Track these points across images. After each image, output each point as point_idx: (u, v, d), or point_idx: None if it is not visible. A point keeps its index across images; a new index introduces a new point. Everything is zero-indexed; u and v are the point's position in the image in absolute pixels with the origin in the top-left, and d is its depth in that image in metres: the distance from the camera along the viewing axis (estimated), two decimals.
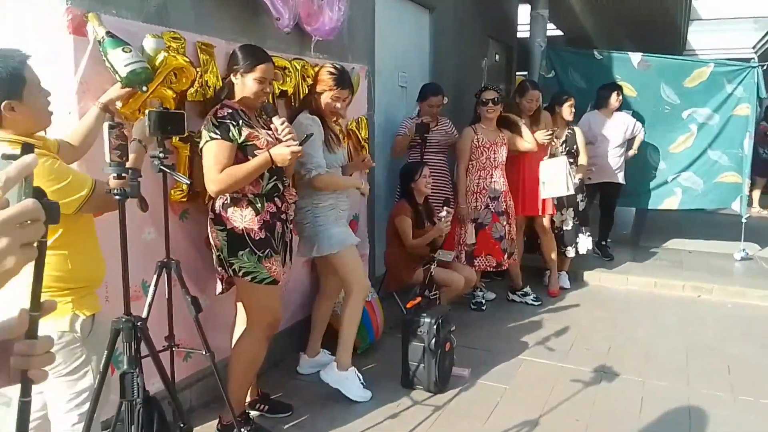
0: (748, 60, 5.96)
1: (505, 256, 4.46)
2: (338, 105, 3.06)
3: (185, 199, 2.73)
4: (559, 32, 11.01)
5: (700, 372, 3.53)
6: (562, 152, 5.00)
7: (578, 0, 8.51)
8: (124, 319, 1.61)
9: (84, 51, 2.28)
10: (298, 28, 3.45)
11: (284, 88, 3.34)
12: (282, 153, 2.43)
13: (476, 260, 4.43)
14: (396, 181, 4.42)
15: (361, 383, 3.17)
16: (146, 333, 1.71)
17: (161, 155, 2.05)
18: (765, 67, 5.65)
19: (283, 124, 2.56)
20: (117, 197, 1.55)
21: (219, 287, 2.66)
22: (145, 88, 2.25)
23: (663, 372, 3.52)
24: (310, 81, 3.40)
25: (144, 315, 2.13)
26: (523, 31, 8.03)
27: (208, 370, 3.02)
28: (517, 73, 8.51)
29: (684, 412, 3.07)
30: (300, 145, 2.48)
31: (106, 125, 1.46)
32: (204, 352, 2.28)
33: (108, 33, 2.24)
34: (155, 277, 2.25)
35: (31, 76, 1.78)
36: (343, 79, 3.06)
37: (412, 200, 4.01)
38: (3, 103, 1.69)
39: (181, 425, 1.93)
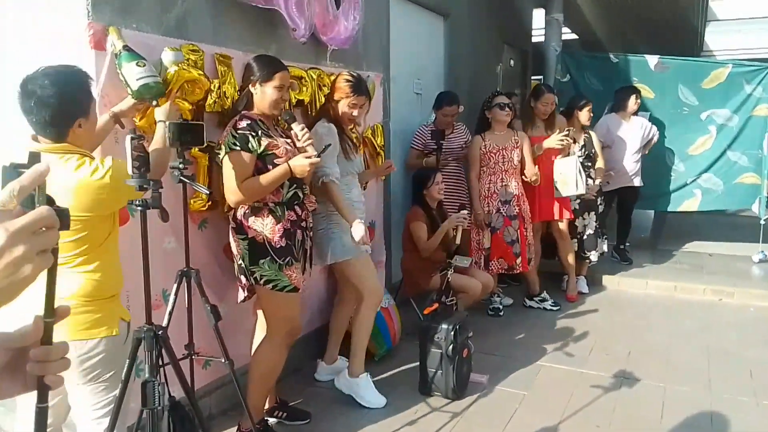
0: (767, 60, 5.91)
1: (518, 260, 4.46)
2: (355, 112, 3.08)
3: (204, 209, 2.77)
4: (573, 36, 10.96)
5: (721, 377, 3.49)
6: (580, 156, 4.98)
7: (593, 3, 8.47)
8: (145, 328, 1.63)
9: (104, 64, 2.33)
10: (313, 38, 3.49)
11: (300, 98, 3.38)
12: (302, 164, 2.47)
13: (491, 264, 4.45)
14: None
15: (375, 389, 3.19)
16: (167, 342, 1.73)
17: (181, 166, 2.08)
18: None
19: (303, 130, 2.59)
20: (138, 208, 1.58)
21: (241, 295, 2.69)
22: (155, 102, 2.30)
23: (684, 377, 3.48)
24: (326, 90, 3.43)
25: (164, 323, 2.17)
26: (537, 36, 8.02)
27: (227, 378, 3.05)
28: (532, 77, 8.50)
29: (706, 418, 3.04)
30: (319, 155, 2.52)
31: (128, 138, 1.49)
32: (223, 360, 2.30)
33: (125, 47, 2.28)
34: (175, 285, 2.28)
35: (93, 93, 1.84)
36: (359, 86, 3.09)
37: (425, 206, 4.02)
38: (76, 121, 1.73)
39: None
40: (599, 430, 2.91)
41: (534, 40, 8.35)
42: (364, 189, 4.04)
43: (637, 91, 5.50)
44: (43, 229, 0.65)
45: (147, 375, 1.62)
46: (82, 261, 1.79)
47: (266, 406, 2.93)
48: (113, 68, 2.32)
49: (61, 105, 1.72)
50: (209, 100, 2.79)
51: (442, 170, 4.25)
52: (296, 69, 3.38)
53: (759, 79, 5.60)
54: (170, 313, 2.21)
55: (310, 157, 2.46)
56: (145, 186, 1.54)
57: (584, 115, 4.95)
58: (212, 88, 2.81)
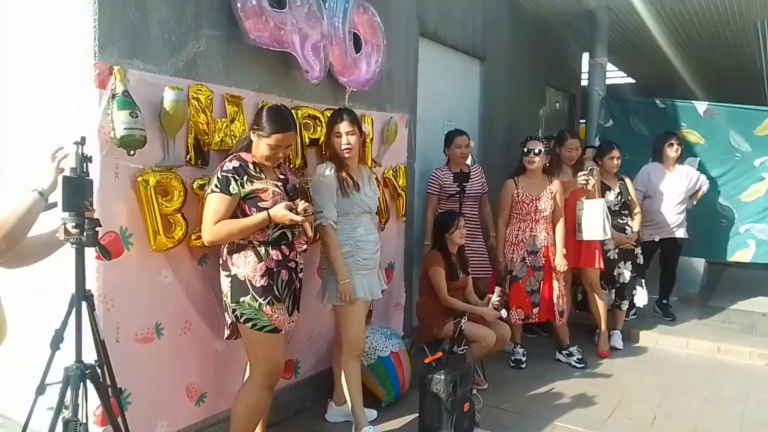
0: None
1: (534, 310, 4.30)
2: (349, 140, 3.04)
3: (201, 245, 2.78)
4: (630, 80, 10.71)
5: None
6: (616, 204, 4.78)
7: (649, 50, 8.26)
8: (74, 366, 1.62)
9: (105, 100, 2.41)
10: (331, 79, 3.54)
11: (314, 137, 3.41)
12: (282, 215, 2.48)
13: (510, 313, 4.28)
14: None
15: None
16: (96, 380, 1.70)
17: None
18: None
19: (304, 204, 2.59)
20: (73, 246, 1.58)
21: (225, 332, 2.68)
22: (132, 153, 2.39)
23: None
24: None
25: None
26: (587, 79, 7.88)
27: (222, 415, 3.04)
28: (581, 121, 8.31)
29: None
30: (299, 213, 2.54)
31: (60, 176, 1.52)
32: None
33: (124, 92, 2.37)
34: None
35: None
36: (339, 113, 3.10)
37: (444, 250, 3.92)
38: None
39: None
40: None
41: (584, 83, 8.20)
42: (383, 229, 4.02)
43: (672, 137, 5.22)
44: None
45: (70, 414, 1.59)
46: None
47: None
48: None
49: None
50: (215, 138, 2.86)
51: (463, 214, 4.15)
52: (312, 109, 3.42)
53: None
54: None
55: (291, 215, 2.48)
56: (79, 224, 1.55)
57: (608, 163, 4.77)
58: (219, 126, 2.89)
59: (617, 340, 4.89)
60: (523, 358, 4.44)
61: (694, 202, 5.38)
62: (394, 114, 4.15)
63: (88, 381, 1.66)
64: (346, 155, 3.06)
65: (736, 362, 4.65)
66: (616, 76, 10.08)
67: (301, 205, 2.59)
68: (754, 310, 5.88)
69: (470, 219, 4.41)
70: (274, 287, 2.55)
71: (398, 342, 3.81)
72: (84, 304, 1.86)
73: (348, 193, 3.04)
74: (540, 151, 4.24)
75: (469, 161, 4.66)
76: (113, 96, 2.36)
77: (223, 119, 2.90)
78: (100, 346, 1.84)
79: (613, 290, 4.87)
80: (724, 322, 5.46)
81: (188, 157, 2.74)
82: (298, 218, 2.49)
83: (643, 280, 4.98)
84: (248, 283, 2.50)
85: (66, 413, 1.60)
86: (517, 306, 4.29)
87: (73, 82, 2.45)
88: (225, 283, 2.56)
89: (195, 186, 2.76)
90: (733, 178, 5.63)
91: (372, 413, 3.46)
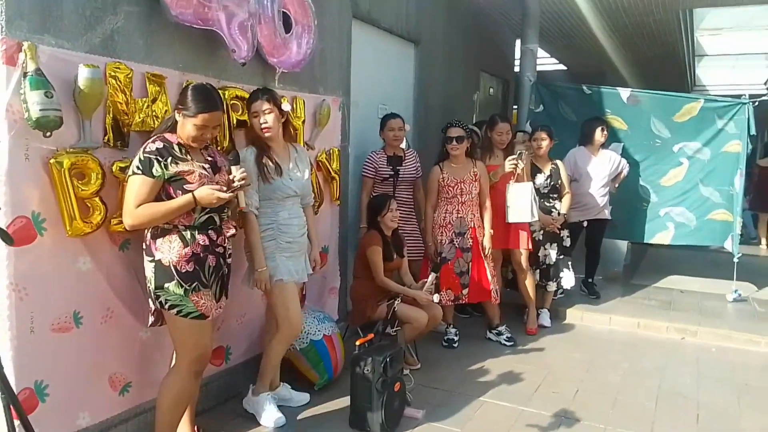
0: (759, 96, 5.86)
1: (464, 291, 4.37)
2: (266, 119, 3.03)
3: (123, 229, 2.68)
4: (562, 67, 11.01)
5: (667, 420, 3.36)
6: (545, 187, 4.93)
7: (579, 38, 8.51)
8: None
9: (13, 78, 2.26)
10: (260, 59, 3.46)
11: (243, 119, 3.33)
12: (207, 195, 2.43)
13: (440, 294, 4.34)
14: None
15: (276, 407, 3.18)
16: None
17: None
18: (756, 104, 5.52)
19: (241, 172, 2.60)
20: None
21: (149, 319, 2.61)
22: (49, 134, 2.27)
23: (628, 419, 3.35)
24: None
25: None
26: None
27: (148, 405, 2.96)
28: (514, 107, 8.50)
29: None
30: (230, 191, 2.51)
31: None
32: None
33: (37, 70, 2.24)
34: None
35: None
36: (255, 93, 3.10)
37: (380, 232, 3.94)
38: None
39: None
40: None
41: (516, 69, 8.37)
42: (316, 213, 3.99)
43: (602, 123, 5.45)
44: None
45: None
46: None
47: None
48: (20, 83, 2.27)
49: None
50: (136, 119, 2.75)
51: (397, 198, 4.18)
52: (239, 90, 3.34)
53: (731, 115, 5.56)
54: None
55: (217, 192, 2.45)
56: None
57: (533, 145, 4.93)
58: (140, 106, 2.78)
59: (545, 319, 5.07)
60: (456, 338, 4.53)
61: (617, 185, 5.62)
62: (327, 96, 4.11)
63: None
64: (266, 134, 3.03)
65: (656, 336, 4.91)
66: (549, 62, 10.35)
67: (239, 173, 2.56)
68: (673, 287, 6.21)
69: (404, 202, 4.44)
70: (201, 273, 2.49)
71: (331, 325, 3.81)
72: None
73: (269, 179, 3.00)
74: (462, 137, 4.30)
75: (404, 145, 4.68)
76: (24, 75, 2.23)
77: (144, 99, 2.80)
78: None
79: (538, 271, 5.03)
80: (644, 299, 5.74)
81: (106, 138, 2.63)
82: (226, 195, 2.44)
83: (569, 262, 5.16)
84: (173, 269, 2.44)
85: None
86: (447, 287, 4.35)
87: None
88: (149, 269, 2.49)
89: (115, 168, 2.65)
90: (654, 164, 5.92)
91: (304, 396, 3.47)
